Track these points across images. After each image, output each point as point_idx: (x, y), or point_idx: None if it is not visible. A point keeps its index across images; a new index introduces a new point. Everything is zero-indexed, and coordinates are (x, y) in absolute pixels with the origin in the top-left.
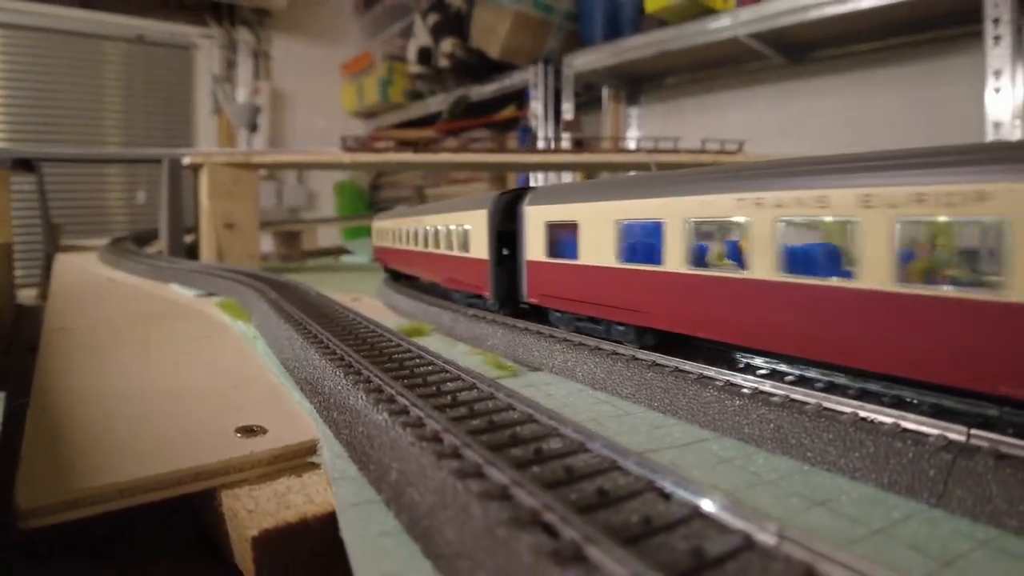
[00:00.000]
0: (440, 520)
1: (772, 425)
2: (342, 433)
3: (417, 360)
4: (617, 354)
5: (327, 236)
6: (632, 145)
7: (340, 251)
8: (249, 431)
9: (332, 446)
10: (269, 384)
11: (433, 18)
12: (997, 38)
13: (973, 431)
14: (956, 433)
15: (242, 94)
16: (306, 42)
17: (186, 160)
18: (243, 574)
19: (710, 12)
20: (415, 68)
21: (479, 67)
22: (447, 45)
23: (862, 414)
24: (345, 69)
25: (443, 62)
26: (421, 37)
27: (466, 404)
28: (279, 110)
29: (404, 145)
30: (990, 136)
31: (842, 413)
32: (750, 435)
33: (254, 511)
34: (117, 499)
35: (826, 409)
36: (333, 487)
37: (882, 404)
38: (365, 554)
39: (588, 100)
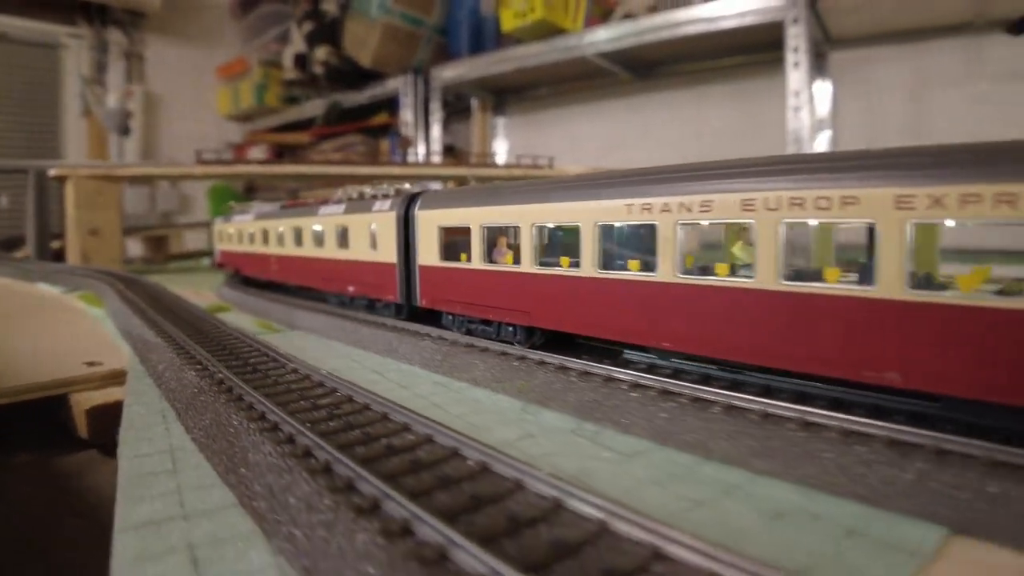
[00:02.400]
0: (177, 391)
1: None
2: (147, 361)
3: (205, 323)
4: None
5: (199, 240)
6: (499, 157)
7: (201, 254)
8: (91, 364)
9: (137, 369)
10: (108, 341)
11: (308, 26)
12: (796, 64)
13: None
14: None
15: (113, 97)
16: (181, 45)
17: (52, 172)
18: (83, 439)
19: (560, 32)
20: (291, 74)
21: (352, 74)
22: (321, 53)
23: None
24: (221, 73)
25: (317, 69)
26: (297, 44)
27: (219, 340)
28: (153, 113)
29: (278, 148)
30: (790, 147)
31: (713, 403)
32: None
33: (89, 399)
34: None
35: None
36: (131, 384)
37: (748, 392)
38: (137, 414)
39: (458, 109)
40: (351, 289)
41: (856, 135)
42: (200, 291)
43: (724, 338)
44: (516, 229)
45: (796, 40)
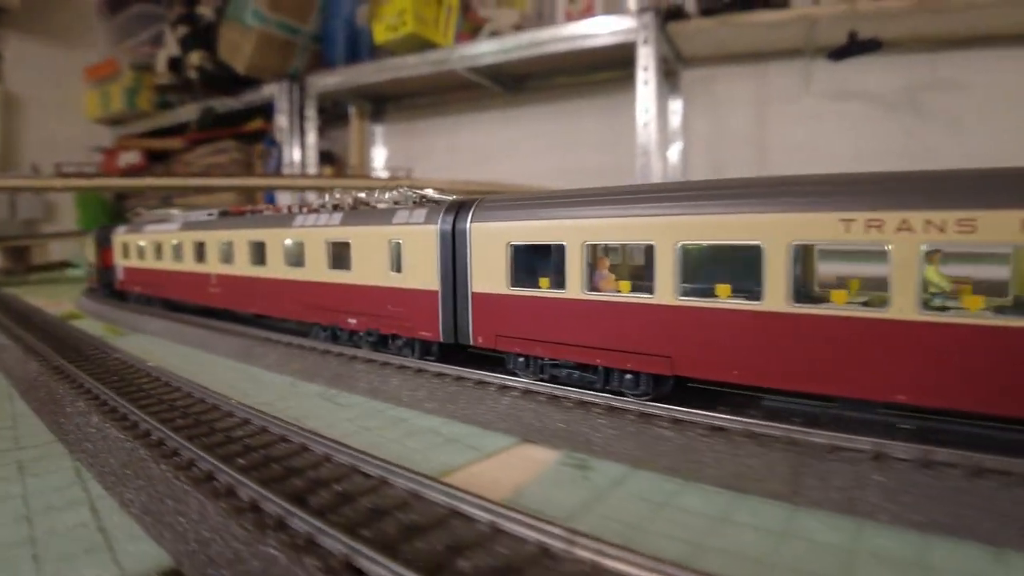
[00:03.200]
0: (21, 378)
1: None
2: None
3: (57, 328)
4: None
5: (66, 249)
6: (377, 163)
7: (64, 265)
8: None
9: None
10: None
11: (182, 30)
12: (646, 82)
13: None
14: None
15: None
16: (45, 44)
17: None
18: None
19: (432, 46)
20: (164, 78)
21: (227, 80)
22: (195, 57)
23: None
24: (89, 74)
25: (192, 73)
26: (170, 47)
27: (63, 340)
28: (13, 115)
29: (151, 154)
30: (639, 159)
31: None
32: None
33: None
34: None
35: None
36: None
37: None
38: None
39: (335, 116)
40: (352, 322)
41: (704, 147)
42: (58, 301)
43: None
44: (644, 248)
45: (646, 60)
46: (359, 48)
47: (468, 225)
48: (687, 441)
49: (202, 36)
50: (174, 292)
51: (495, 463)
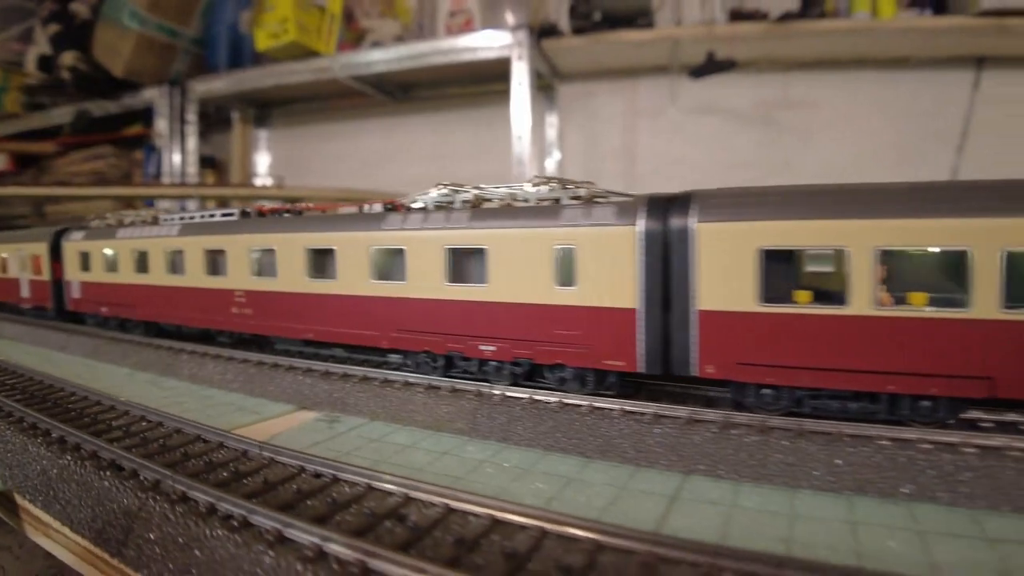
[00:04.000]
0: None
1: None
2: None
3: None
4: None
5: None
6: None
7: None
8: None
9: None
10: None
11: (54, 28)
12: (520, 96)
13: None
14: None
15: None
16: None
17: None
18: None
19: (315, 55)
20: (34, 77)
21: (104, 82)
22: (68, 58)
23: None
24: None
25: (65, 74)
26: (41, 45)
27: None
28: None
29: (20, 158)
30: (514, 169)
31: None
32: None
33: None
34: None
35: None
36: None
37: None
38: None
39: (219, 120)
40: (489, 349)
41: (580, 158)
42: None
43: None
44: (952, 254)
45: (520, 75)
46: (242, 53)
47: (693, 226)
48: (408, 396)
49: (76, 35)
50: (168, 313)
51: (271, 423)
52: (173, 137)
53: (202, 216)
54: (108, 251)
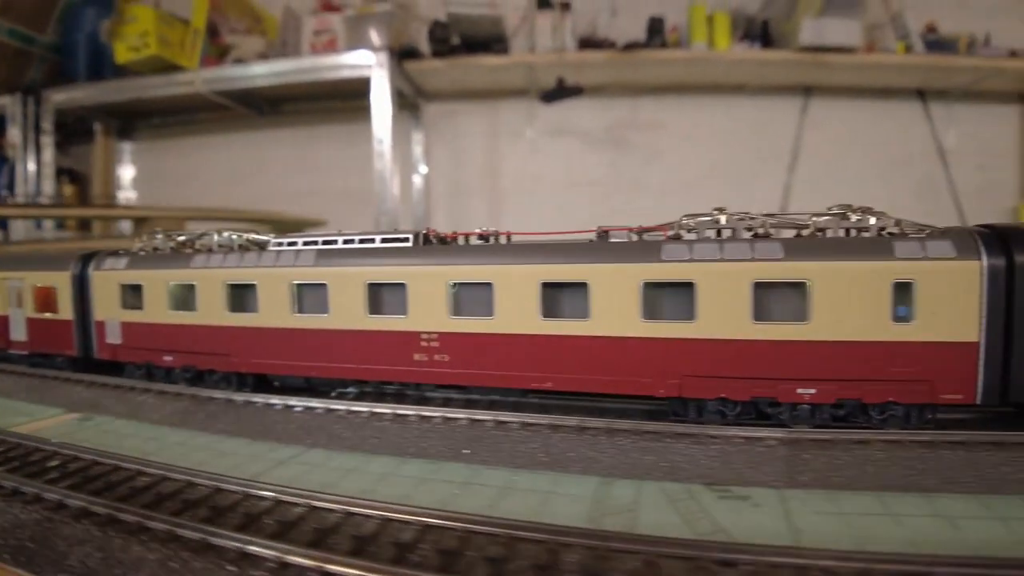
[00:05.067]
0: None
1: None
2: None
3: None
4: None
5: None
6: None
7: None
8: None
9: None
10: None
11: None
12: (381, 115)
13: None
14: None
15: None
16: None
17: None
18: None
19: (177, 68)
20: None
21: None
22: None
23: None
24: None
25: None
26: None
27: None
28: None
29: None
30: (376, 184)
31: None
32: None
33: None
34: None
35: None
36: None
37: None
38: None
39: (80, 131)
40: (807, 393)
41: (446, 173)
42: None
43: None
44: None
45: (380, 94)
46: (103, 63)
47: None
48: (142, 399)
49: None
50: (297, 362)
51: (41, 423)
52: (28, 147)
53: (346, 241)
54: (179, 284)
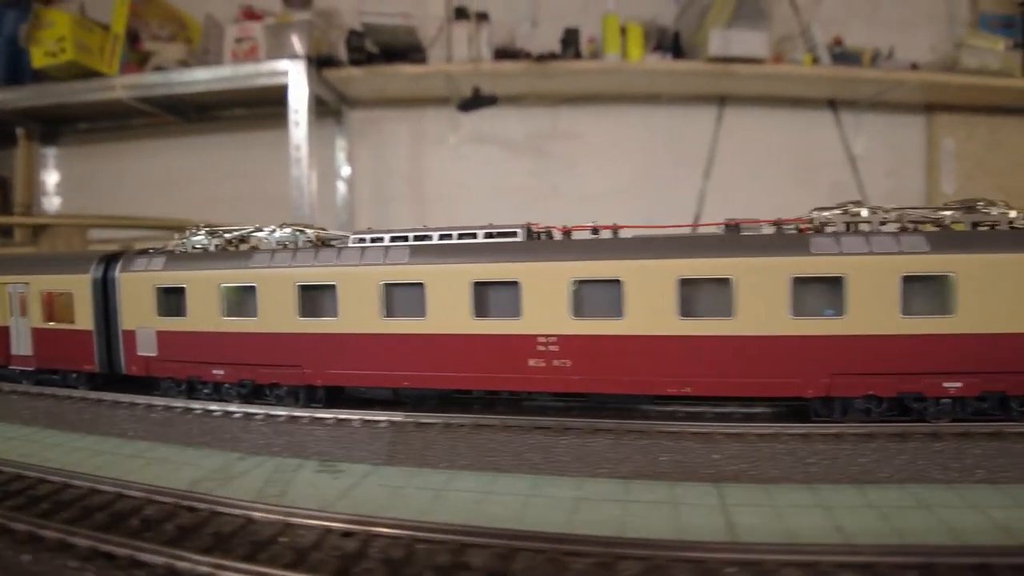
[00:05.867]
0: None
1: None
2: None
3: None
4: None
5: None
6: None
7: None
8: None
9: None
10: None
11: None
12: (297, 123)
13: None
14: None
15: None
16: None
17: None
18: None
19: (96, 74)
20: None
21: None
22: None
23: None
24: None
25: None
26: None
27: None
28: None
29: None
30: (293, 191)
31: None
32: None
33: None
34: None
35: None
36: None
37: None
38: None
39: (1, 135)
40: (954, 387)
41: (370, 180)
42: None
43: None
44: None
45: (297, 102)
46: (22, 68)
47: None
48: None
49: None
50: (386, 372)
51: None
52: None
53: (443, 236)
54: (235, 286)
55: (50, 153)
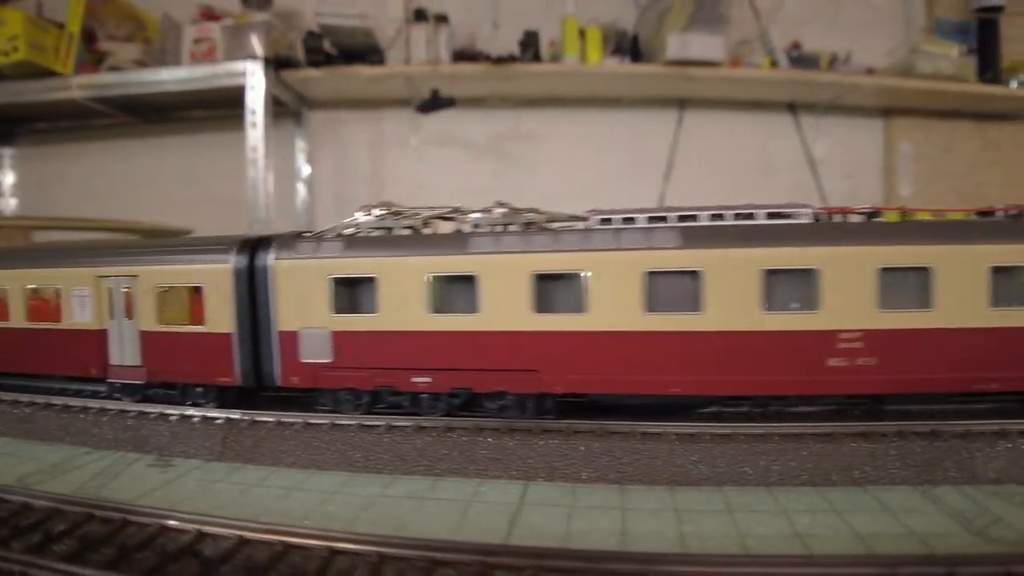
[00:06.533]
0: None
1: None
2: None
3: None
4: None
5: None
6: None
7: None
8: None
9: None
10: None
11: None
12: (254, 124)
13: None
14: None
15: None
16: None
17: None
18: None
19: (51, 74)
20: None
21: None
22: None
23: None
24: None
25: None
26: None
27: None
28: None
29: None
30: (249, 192)
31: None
32: None
33: None
34: None
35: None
36: None
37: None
38: None
39: None
40: None
41: (330, 181)
42: None
43: None
44: None
45: (254, 103)
46: None
47: None
48: None
49: None
50: (640, 377)
51: None
52: None
53: (715, 216)
54: (446, 276)
55: (5, 153)
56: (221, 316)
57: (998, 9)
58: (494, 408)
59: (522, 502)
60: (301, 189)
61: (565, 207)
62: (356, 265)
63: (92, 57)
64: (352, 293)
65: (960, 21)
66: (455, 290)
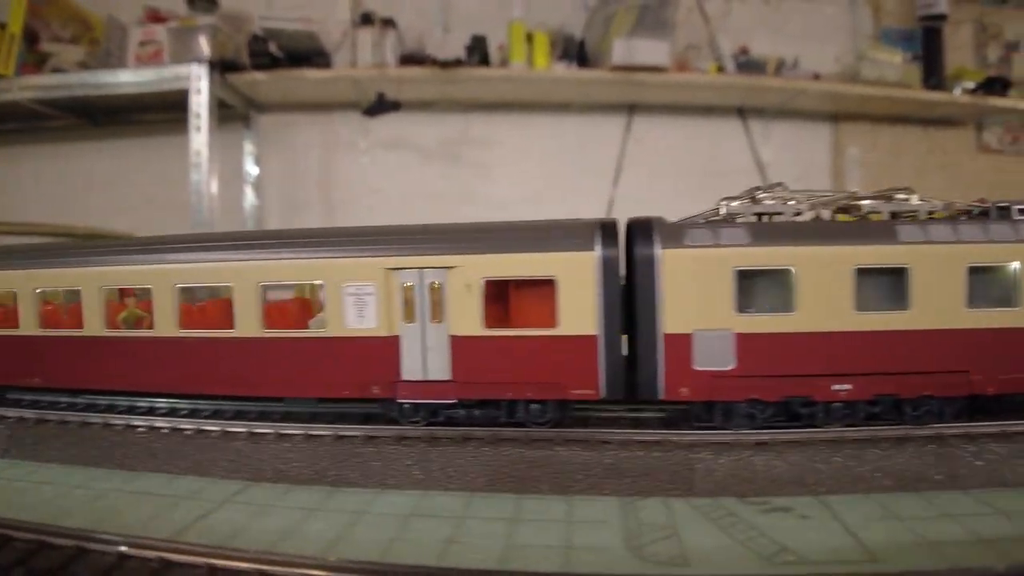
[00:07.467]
0: None
1: None
2: None
3: None
4: None
5: None
6: None
7: None
8: None
9: None
10: None
11: None
12: (199, 128)
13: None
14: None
15: None
16: None
17: None
18: None
19: None
20: None
21: None
22: None
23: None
24: None
25: None
26: None
27: None
28: None
29: None
30: (192, 197)
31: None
32: None
33: None
34: None
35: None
36: None
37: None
38: None
39: None
40: None
41: (279, 184)
42: None
43: None
44: None
45: (198, 107)
46: None
47: None
48: None
49: None
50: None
51: None
52: None
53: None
54: (874, 268)
55: None
56: (581, 315)
57: (942, 17)
58: (917, 415)
59: None
60: (249, 192)
61: (516, 211)
62: (768, 255)
63: (34, 58)
64: (760, 288)
65: (905, 29)
66: (880, 284)
